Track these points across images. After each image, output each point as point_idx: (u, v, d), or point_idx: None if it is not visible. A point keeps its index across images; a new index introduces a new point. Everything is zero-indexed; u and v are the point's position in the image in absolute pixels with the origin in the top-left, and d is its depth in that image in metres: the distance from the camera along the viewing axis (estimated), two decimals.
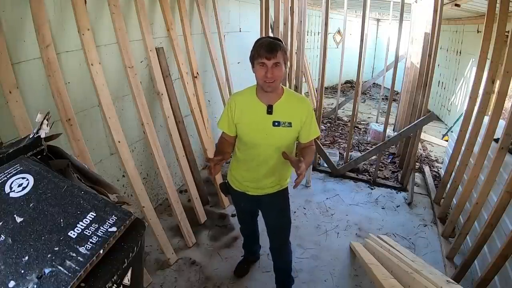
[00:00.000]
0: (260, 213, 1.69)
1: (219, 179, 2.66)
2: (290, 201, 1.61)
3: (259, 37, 1.43)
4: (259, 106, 1.33)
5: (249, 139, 1.38)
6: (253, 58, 1.26)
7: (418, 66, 3.35)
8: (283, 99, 1.34)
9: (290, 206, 1.64)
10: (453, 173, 2.48)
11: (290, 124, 1.33)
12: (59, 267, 0.56)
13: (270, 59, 1.20)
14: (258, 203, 1.58)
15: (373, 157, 3.39)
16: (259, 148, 1.38)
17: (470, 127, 2.28)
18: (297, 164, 1.20)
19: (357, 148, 4.08)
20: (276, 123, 1.32)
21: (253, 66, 1.29)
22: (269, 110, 1.31)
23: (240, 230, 1.97)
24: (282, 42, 1.28)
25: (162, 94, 2.18)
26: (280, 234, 1.64)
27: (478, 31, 4.10)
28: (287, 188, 1.56)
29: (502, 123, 1.93)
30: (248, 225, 1.86)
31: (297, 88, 3.06)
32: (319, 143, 3.22)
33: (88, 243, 0.61)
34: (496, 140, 1.91)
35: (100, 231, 0.63)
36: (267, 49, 1.20)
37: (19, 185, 0.68)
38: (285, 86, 1.68)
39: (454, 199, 2.51)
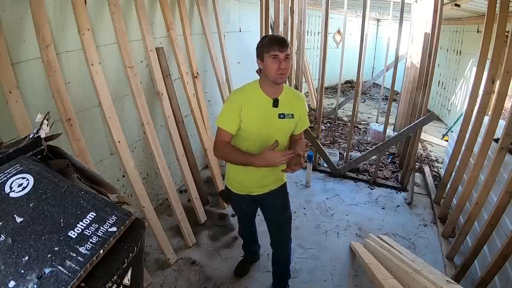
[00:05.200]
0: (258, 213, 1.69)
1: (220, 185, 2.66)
2: (290, 201, 1.62)
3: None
4: (265, 100, 1.35)
5: (256, 131, 1.37)
6: (262, 52, 1.28)
7: (418, 66, 3.34)
8: (284, 92, 1.39)
9: (290, 205, 1.64)
10: (453, 173, 2.48)
11: (292, 116, 1.38)
12: (59, 267, 0.56)
13: (282, 52, 1.25)
14: (260, 202, 1.58)
15: (373, 157, 3.39)
16: (264, 141, 1.37)
17: (470, 127, 2.27)
18: (299, 161, 1.26)
19: (357, 148, 4.07)
20: (282, 116, 1.36)
21: (262, 61, 1.30)
22: (275, 103, 1.35)
23: (239, 234, 1.97)
24: None
25: (162, 94, 2.18)
26: (285, 228, 1.64)
27: (478, 31, 4.10)
28: (286, 182, 1.59)
29: (502, 123, 1.93)
30: (249, 227, 1.86)
31: (297, 88, 3.06)
32: (319, 143, 3.22)
33: (88, 243, 0.60)
34: (496, 140, 1.91)
35: (100, 231, 0.63)
36: (279, 42, 1.25)
37: (19, 185, 0.68)
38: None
39: (454, 199, 2.51)
